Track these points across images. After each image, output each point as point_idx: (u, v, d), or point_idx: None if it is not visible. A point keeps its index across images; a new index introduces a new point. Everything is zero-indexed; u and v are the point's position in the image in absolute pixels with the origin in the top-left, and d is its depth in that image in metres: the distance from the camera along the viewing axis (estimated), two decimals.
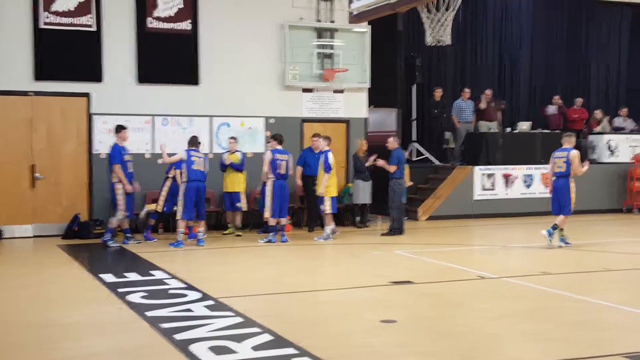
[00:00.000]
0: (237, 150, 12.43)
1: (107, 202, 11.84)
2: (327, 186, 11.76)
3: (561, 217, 10.96)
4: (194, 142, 11.26)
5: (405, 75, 16.53)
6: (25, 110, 12.11)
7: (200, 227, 11.21)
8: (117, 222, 11.14)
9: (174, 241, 11.06)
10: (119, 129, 11.31)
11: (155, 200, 12.56)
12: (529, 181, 15.46)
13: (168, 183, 11.64)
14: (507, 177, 15.31)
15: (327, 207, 11.74)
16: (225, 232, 12.49)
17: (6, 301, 7.41)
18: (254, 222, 13.09)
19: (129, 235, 11.32)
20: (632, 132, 17.32)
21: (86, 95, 12.40)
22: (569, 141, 11.20)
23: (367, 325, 6.28)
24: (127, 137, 11.36)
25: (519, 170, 15.39)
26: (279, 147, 11.75)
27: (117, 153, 11.07)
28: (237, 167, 12.27)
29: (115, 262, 10.26)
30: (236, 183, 12.31)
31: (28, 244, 11.67)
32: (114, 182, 11.04)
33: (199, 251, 10.78)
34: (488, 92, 16.51)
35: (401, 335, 6.04)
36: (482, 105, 16.20)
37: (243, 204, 12.32)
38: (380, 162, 12.34)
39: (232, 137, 12.50)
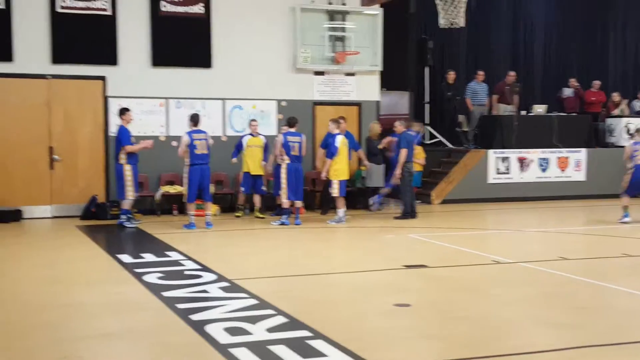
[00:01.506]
0: (259, 134, 12.41)
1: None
2: (336, 169, 11.74)
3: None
4: (195, 120, 11.14)
5: (417, 58, 16.44)
6: (43, 93, 12.18)
7: (208, 210, 11.26)
8: (129, 203, 11.21)
9: (186, 223, 11.13)
10: (124, 111, 11.35)
11: (171, 183, 12.68)
12: (544, 165, 15.38)
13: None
14: (522, 161, 15.22)
15: (335, 190, 11.76)
16: (237, 214, 12.53)
17: (25, 281, 7.50)
18: (266, 205, 13.15)
19: (129, 216, 11.34)
20: None
21: (102, 78, 12.45)
22: None
23: (381, 308, 6.31)
24: (132, 119, 11.39)
25: (534, 154, 15.29)
26: (293, 129, 11.75)
27: (126, 134, 11.12)
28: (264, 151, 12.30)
29: (131, 243, 10.36)
30: (259, 166, 12.30)
31: (47, 224, 11.80)
32: (121, 164, 11.10)
33: (212, 233, 10.85)
34: (512, 73, 16.32)
35: (415, 319, 6.07)
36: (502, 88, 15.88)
37: (265, 188, 12.35)
38: (386, 141, 12.29)
39: (254, 120, 12.50)
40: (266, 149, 12.38)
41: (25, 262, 8.57)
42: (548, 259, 8.72)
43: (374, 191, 13.56)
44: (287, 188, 11.54)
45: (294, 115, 12.38)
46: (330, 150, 11.67)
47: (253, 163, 12.31)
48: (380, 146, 13.10)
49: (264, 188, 12.35)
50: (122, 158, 11.10)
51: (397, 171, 12.03)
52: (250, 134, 12.41)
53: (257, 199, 12.48)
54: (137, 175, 11.27)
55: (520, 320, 6.02)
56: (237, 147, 12.40)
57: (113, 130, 12.43)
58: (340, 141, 11.74)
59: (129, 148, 11.07)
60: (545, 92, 18.80)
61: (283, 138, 11.61)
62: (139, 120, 12.26)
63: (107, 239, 10.76)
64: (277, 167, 11.98)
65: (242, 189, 12.42)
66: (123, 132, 11.15)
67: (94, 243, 9.89)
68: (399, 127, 12.33)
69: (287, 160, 11.57)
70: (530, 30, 18.97)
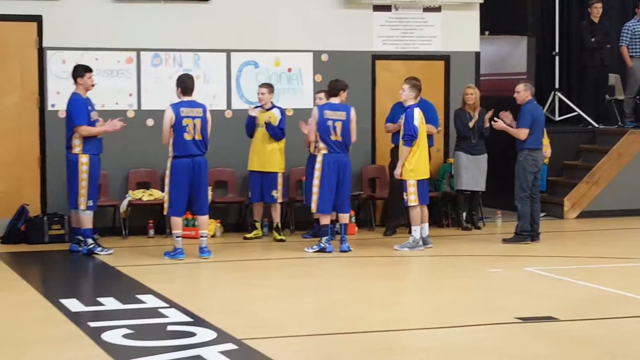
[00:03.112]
0: (273, 106, 12.55)
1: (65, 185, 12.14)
2: (411, 164, 11.73)
3: None
4: (186, 87, 11.26)
5: None
6: None
7: (203, 228, 11.41)
8: (87, 218, 11.38)
9: (170, 249, 11.29)
10: (80, 71, 11.52)
11: (145, 185, 12.81)
12: None
13: None
14: None
15: (412, 197, 11.74)
16: (249, 235, 12.68)
17: None
18: (296, 220, 13.25)
19: (79, 237, 11.51)
20: None
21: (36, 19, 12.67)
22: None
23: None
24: (93, 83, 11.59)
25: None
26: (336, 100, 11.82)
27: (79, 108, 11.29)
28: (274, 132, 12.38)
29: (84, 281, 10.53)
30: (271, 158, 12.45)
31: None
32: (76, 155, 11.30)
33: (210, 265, 10.97)
34: None
35: None
36: None
37: (279, 193, 12.48)
38: (502, 124, 12.30)
39: (264, 85, 12.63)
40: (281, 124, 12.44)
41: None
42: None
43: (470, 198, 13.57)
44: (320, 193, 11.62)
45: (343, 76, 12.44)
46: (407, 132, 11.69)
47: (261, 153, 12.46)
48: (471, 124, 13.15)
49: (275, 194, 12.47)
50: (76, 145, 11.32)
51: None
52: (259, 106, 12.56)
53: (273, 212, 12.63)
54: (98, 173, 11.47)
55: None
56: (247, 123, 12.54)
57: (53, 102, 12.65)
58: (420, 118, 11.75)
59: (84, 130, 11.26)
60: None
61: (318, 113, 11.70)
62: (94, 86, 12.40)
63: (44, 275, 10.94)
64: (313, 159, 12.11)
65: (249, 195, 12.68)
66: (77, 103, 11.35)
67: (24, 280, 10.04)
68: (524, 92, 12.31)
69: (323, 149, 11.65)
70: None
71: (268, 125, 12.29)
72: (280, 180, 12.54)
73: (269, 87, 12.60)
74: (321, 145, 11.66)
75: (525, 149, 12.21)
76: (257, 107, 12.60)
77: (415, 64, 13.94)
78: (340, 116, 11.69)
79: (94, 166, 11.36)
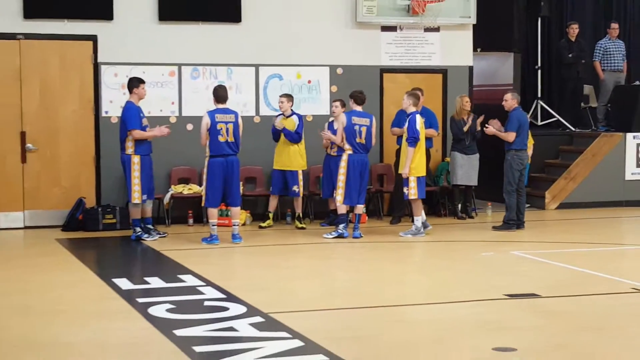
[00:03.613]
0: (293, 113, 12.50)
1: (120, 181, 12.12)
2: (413, 162, 11.72)
3: None
4: (220, 96, 11.25)
5: (526, 7, 16.26)
6: (11, 59, 12.45)
7: (235, 218, 11.39)
8: (136, 210, 11.40)
9: (207, 236, 11.27)
10: (135, 82, 11.53)
11: (185, 181, 12.84)
12: None
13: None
14: None
15: (413, 191, 11.72)
16: (263, 224, 12.64)
17: None
18: (315, 210, 13.22)
19: (149, 226, 11.58)
20: None
21: (92, 38, 12.68)
22: None
23: (475, 355, 6.28)
24: (145, 93, 11.59)
25: None
26: (359, 108, 11.78)
27: (134, 114, 11.30)
28: (291, 137, 12.35)
29: (133, 264, 10.53)
30: (291, 158, 12.41)
31: (18, 237, 12.08)
32: (129, 155, 11.31)
33: (242, 250, 10.96)
34: None
35: None
36: None
37: (300, 188, 12.44)
38: (492, 129, 12.27)
39: (284, 95, 12.59)
40: (299, 129, 12.38)
41: None
42: None
43: (464, 192, 13.54)
44: (346, 188, 11.57)
45: (355, 86, 12.44)
46: (410, 134, 11.66)
47: (282, 154, 12.42)
48: (465, 128, 13.17)
49: (296, 188, 12.42)
50: (129, 147, 11.31)
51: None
52: (281, 114, 12.51)
53: (295, 204, 12.62)
54: (150, 170, 11.47)
55: None
56: (272, 130, 12.51)
57: (107, 109, 12.66)
58: (420, 122, 11.73)
59: (137, 134, 11.27)
60: None
61: (347, 119, 11.65)
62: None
63: (98, 258, 10.96)
64: (329, 158, 12.12)
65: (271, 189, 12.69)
66: (131, 110, 11.35)
67: (81, 263, 10.06)
68: (511, 100, 12.27)
69: (349, 150, 11.62)
70: None
71: (285, 131, 12.27)
72: (300, 177, 12.49)
73: (288, 96, 12.57)
74: (347, 146, 11.62)
75: (512, 150, 12.18)
76: (279, 115, 12.56)
77: (417, 76, 13.90)
78: (365, 122, 11.70)
79: (144, 165, 11.36)
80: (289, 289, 8.70)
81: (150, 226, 11.61)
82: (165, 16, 12.91)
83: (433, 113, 13.11)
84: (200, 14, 13.07)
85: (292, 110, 12.50)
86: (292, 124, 12.37)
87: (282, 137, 12.40)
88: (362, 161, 11.67)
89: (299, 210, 12.63)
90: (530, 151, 13.03)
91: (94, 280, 9.08)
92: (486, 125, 12.50)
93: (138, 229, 11.43)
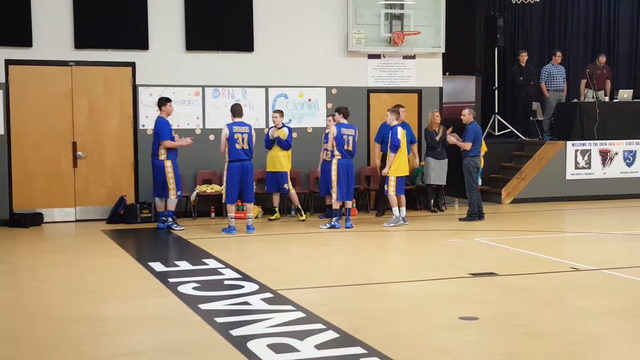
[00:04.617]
0: (284, 125, 12.49)
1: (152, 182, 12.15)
2: (395, 165, 11.78)
3: None
4: (237, 111, 11.26)
5: (485, 38, 16.29)
6: (65, 82, 12.43)
7: (249, 212, 11.38)
8: (172, 203, 11.46)
9: (226, 227, 11.26)
10: (164, 101, 11.54)
11: (208, 181, 12.86)
12: (630, 158, 15.09)
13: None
14: (604, 154, 14.98)
15: (391, 188, 11.77)
16: (272, 217, 12.61)
17: (46, 292, 7.66)
18: (314, 206, 13.21)
19: (169, 219, 11.55)
20: None
21: (131, 64, 12.67)
22: None
23: (444, 322, 6.29)
24: (172, 110, 11.59)
25: (618, 146, 15.03)
26: (345, 121, 11.79)
27: (165, 127, 11.32)
28: (283, 144, 12.31)
29: (164, 250, 10.52)
30: (281, 162, 12.32)
31: (70, 228, 12.06)
32: (162, 160, 11.30)
33: (254, 238, 10.95)
34: (602, 58, 16.08)
35: (482, 334, 6.03)
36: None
37: (289, 185, 12.37)
38: (453, 139, 12.33)
39: (277, 111, 12.58)
40: (289, 139, 12.34)
41: (47, 272, 8.76)
42: (635, 265, 8.57)
43: (436, 190, 13.55)
44: (338, 187, 11.57)
45: (346, 104, 12.46)
46: (393, 143, 11.73)
47: (272, 159, 12.34)
48: (438, 137, 13.23)
49: (285, 186, 12.35)
50: (162, 154, 11.31)
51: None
52: (274, 126, 12.47)
53: (291, 199, 12.55)
54: (178, 172, 11.51)
55: (603, 336, 5.93)
56: (266, 139, 12.45)
57: (143, 123, 12.66)
58: (401, 133, 11.79)
59: (168, 144, 11.28)
60: (632, 75, 18.41)
61: (337, 130, 11.66)
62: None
63: (136, 245, 10.95)
64: (325, 163, 12.08)
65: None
66: (162, 124, 11.36)
67: (122, 249, 10.07)
68: (468, 115, 12.31)
69: (338, 155, 11.62)
70: (615, 3, 18.53)
71: (278, 139, 12.26)
72: (288, 176, 12.38)
73: (280, 112, 12.54)
74: (336, 153, 11.61)
75: (469, 156, 12.25)
76: (271, 127, 12.53)
77: (398, 95, 13.88)
78: (351, 132, 11.71)
79: (175, 168, 11.39)
80: (294, 270, 8.71)
81: (164, 218, 11.59)
82: (191, 46, 12.89)
83: (409, 127, 13.08)
84: (220, 44, 13.05)
85: (282, 123, 12.49)
86: (284, 134, 12.36)
87: (275, 144, 12.34)
88: (349, 164, 11.67)
89: (296, 203, 12.53)
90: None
91: (133, 264, 9.08)
92: (451, 133, 12.57)
93: (170, 219, 11.47)
